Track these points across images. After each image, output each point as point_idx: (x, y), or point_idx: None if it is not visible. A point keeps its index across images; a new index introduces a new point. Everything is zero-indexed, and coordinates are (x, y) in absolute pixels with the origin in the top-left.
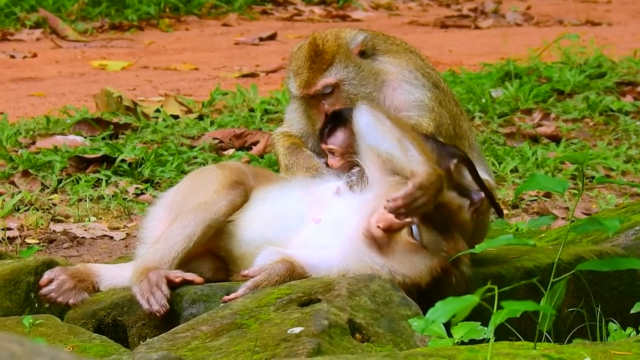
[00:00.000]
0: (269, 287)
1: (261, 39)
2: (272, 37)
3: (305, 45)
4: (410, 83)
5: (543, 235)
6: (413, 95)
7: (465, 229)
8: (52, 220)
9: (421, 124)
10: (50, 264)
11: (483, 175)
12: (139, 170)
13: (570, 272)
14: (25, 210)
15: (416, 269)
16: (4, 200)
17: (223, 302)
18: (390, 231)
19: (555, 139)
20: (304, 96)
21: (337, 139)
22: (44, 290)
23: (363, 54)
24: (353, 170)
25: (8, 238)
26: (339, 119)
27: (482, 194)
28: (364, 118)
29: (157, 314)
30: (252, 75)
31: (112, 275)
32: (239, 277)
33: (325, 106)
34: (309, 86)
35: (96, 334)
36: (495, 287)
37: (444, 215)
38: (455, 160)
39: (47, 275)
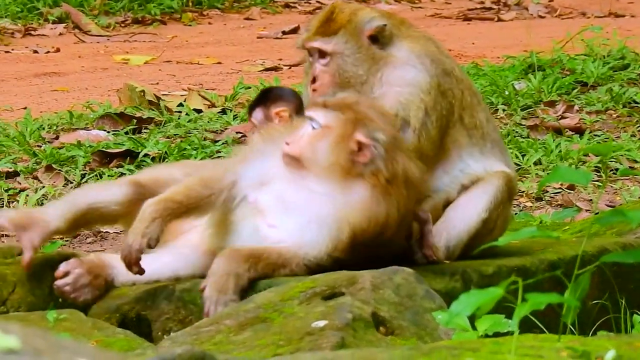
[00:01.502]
0: (222, 292)
1: (284, 33)
2: (295, 30)
3: (323, 10)
4: (412, 65)
5: (567, 227)
6: (410, 74)
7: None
8: None
9: (410, 103)
10: None
11: (496, 165)
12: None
13: (595, 264)
14: None
15: (325, 150)
16: (27, 196)
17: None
18: (297, 141)
19: (579, 131)
20: (301, 47)
21: (258, 115)
22: (59, 283)
23: (374, 39)
24: None
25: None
26: (268, 97)
27: None
28: None
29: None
30: (275, 69)
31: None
32: None
33: (317, 69)
34: (308, 40)
35: (120, 329)
36: (520, 280)
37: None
38: None
39: (63, 268)
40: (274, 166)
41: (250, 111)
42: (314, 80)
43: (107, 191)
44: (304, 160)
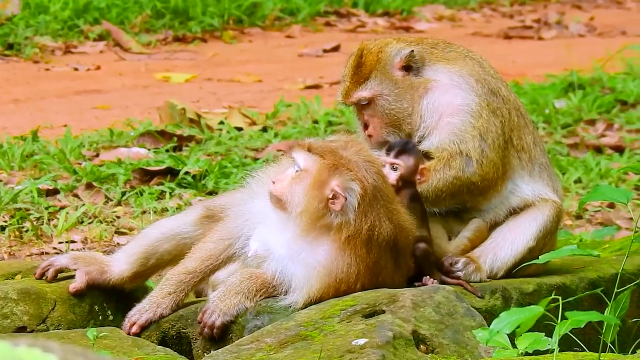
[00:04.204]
0: (225, 306)
1: (325, 51)
2: (336, 48)
3: (353, 54)
4: (458, 87)
5: (607, 245)
6: (460, 99)
7: None
8: (116, 232)
9: (464, 132)
10: None
11: (544, 190)
12: (203, 182)
13: (635, 283)
14: (89, 223)
15: (301, 194)
16: (67, 213)
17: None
18: (281, 180)
19: (619, 149)
20: (343, 104)
21: (409, 161)
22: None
23: (408, 68)
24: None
25: (72, 251)
26: (412, 148)
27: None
28: None
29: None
30: (316, 86)
31: None
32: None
33: (364, 116)
34: (347, 97)
35: (160, 347)
36: (560, 298)
37: None
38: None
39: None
40: (264, 206)
41: (399, 151)
42: (366, 127)
43: (182, 218)
44: (284, 202)
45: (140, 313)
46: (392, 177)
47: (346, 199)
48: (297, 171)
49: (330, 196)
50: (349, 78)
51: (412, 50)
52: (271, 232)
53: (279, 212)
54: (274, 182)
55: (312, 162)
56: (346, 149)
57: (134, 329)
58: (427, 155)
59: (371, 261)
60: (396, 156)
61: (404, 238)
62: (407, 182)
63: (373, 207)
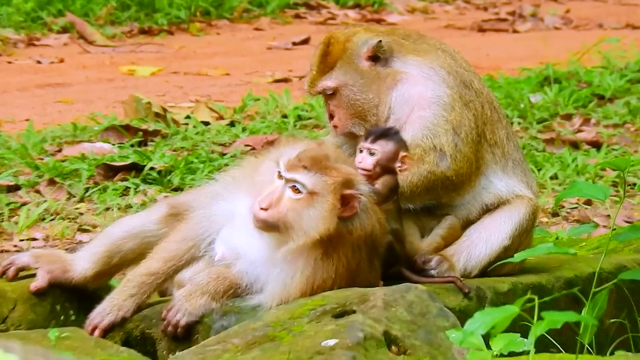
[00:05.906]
0: (191, 306)
1: (294, 44)
2: (306, 41)
3: (321, 43)
4: (430, 79)
5: (584, 243)
6: (431, 91)
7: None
8: (78, 230)
9: (437, 127)
10: None
11: (519, 186)
12: (168, 178)
13: (612, 282)
14: (51, 220)
15: (315, 219)
16: (29, 210)
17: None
18: (273, 204)
19: (596, 144)
20: (309, 93)
21: (387, 147)
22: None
23: (375, 58)
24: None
25: (33, 249)
26: (399, 136)
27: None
28: None
29: None
30: (285, 80)
31: None
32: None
33: (330, 107)
34: (312, 86)
35: (124, 347)
36: (536, 298)
37: None
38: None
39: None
40: (230, 208)
41: (377, 136)
42: (331, 117)
43: (146, 216)
44: (284, 226)
45: (101, 316)
46: (369, 162)
47: (362, 195)
48: (300, 194)
49: (340, 204)
50: (315, 67)
51: (380, 41)
52: (240, 236)
53: (263, 232)
54: (264, 209)
55: (320, 182)
56: (329, 157)
57: (97, 333)
58: None
59: (354, 263)
60: (373, 141)
61: (381, 237)
62: (386, 169)
63: (373, 204)
